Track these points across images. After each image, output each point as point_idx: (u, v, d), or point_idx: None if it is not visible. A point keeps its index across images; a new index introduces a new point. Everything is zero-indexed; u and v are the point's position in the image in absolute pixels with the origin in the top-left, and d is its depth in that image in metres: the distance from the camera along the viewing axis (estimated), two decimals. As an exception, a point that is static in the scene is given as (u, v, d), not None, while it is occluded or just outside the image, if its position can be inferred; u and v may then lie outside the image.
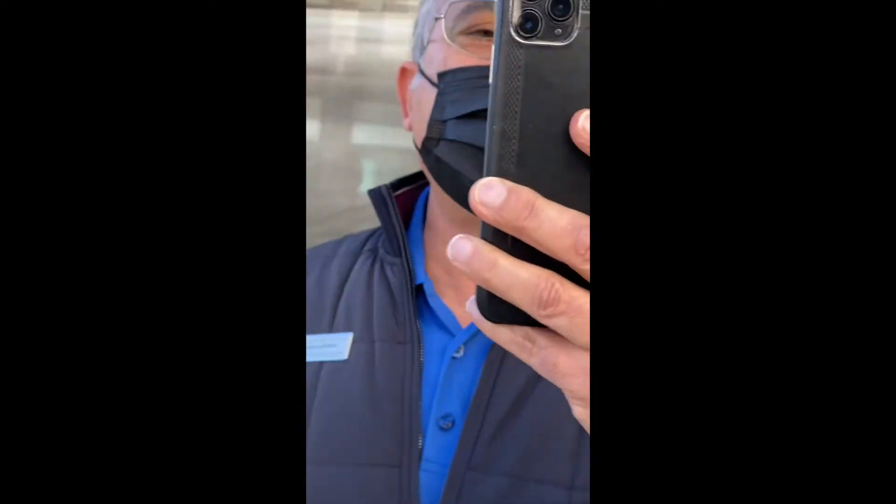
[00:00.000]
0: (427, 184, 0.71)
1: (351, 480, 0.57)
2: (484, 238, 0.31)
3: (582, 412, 0.32)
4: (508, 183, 0.30)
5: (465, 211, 0.59)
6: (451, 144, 0.58)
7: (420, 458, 0.57)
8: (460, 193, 0.58)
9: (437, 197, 0.64)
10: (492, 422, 0.56)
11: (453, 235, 0.65)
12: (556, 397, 0.55)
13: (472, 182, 0.56)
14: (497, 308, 0.31)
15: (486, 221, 0.30)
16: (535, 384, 0.56)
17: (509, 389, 0.56)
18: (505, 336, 0.32)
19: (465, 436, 0.56)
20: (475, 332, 0.60)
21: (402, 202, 0.67)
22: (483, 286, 0.31)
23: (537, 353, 0.31)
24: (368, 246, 0.69)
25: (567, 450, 0.54)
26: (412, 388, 0.58)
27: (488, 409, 0.56)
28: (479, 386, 0.57)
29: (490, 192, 0.29)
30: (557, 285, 0.29)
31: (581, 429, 0.54)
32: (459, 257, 0.30)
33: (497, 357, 0.57)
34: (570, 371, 0.31)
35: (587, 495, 0.53)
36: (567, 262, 0.29)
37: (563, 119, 0.30)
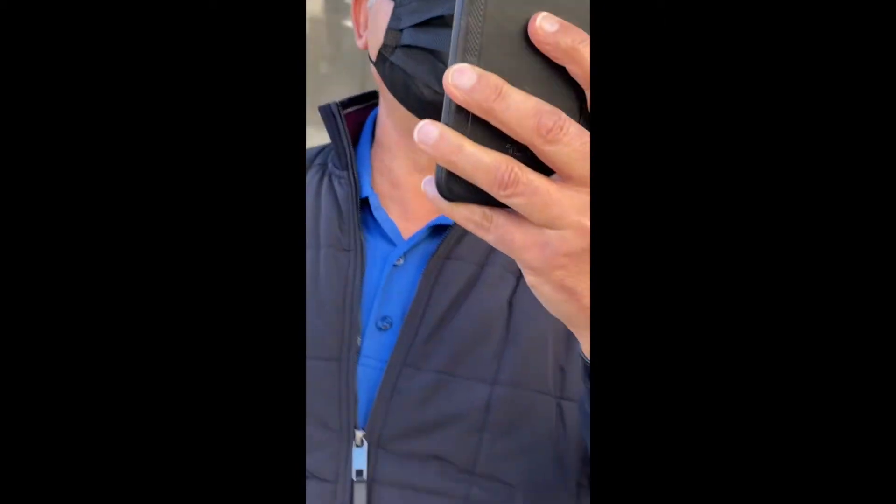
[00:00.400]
0: (375, 105, 0.74)
1: None
2: (446, 123, 0.33)
3: (534, 280, 0.36)
4: (478, 69, 0.31)
5: (415, 120, 0.62)
6: (407, 51, 0.61)
7: (358, 353, 0.62)
8: (413, 100, 0.62)
9: (388, 108, 0.68)
10: (427, 324, 0.61)
11: (402, 150, 0.69)
12: (486, 306, 0.62)
13: (426, 88, 0.60)
14: (455, 188, 0.34)
15: (458, 103, 0.32)
16: (467, 294, 0.62)
17: (444, 297, 0.62)
18: (462, 214, 0.34)
19: (403, 335, 0.61)
20: (416, 244, 0.65)
21: (350, 120, 0.71)
22: (448, 168, 0.33)
23: (494, 230, 0.34)
24: (319, 160, 0.72)
25: (492, 351, 0.61)
26: (353, 291, 0.63)
27: (425, 313, 0.62)
28: (418, 292, 0.62)
29: (462, 76, 0.31)
30: (516, 169, 0.32)
31: (504, 334, 0.61)
32: (427, 140, 0.32)
33: (435, 267, 0.63)
34: (525, 245, 0.34)
35: (506, 390, 0.60)
36: (529, 143, 0.32)
37: (524, 20, 0.32)
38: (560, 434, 0.60)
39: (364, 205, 0.68)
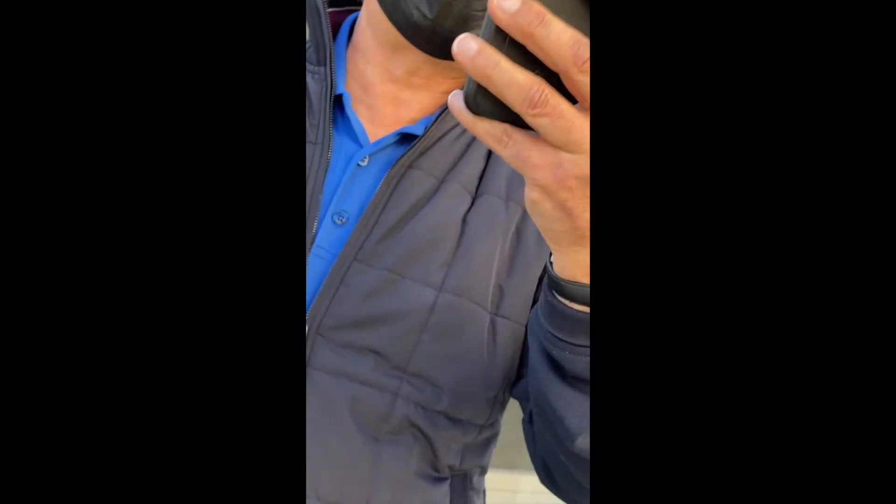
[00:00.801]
0: (353, 11, 0.75)
1: None
2: (484, 40, 0.34)
3: (538, 196, 0.39)
4: None
5: (397, 36, 0.65)
6: None
7: (312, 243, 0.64)
8: (400, 18, 0.63)
9: (371, 18, 0.68)
10: (383, 225, 0.64)
11: (379, 59, 0.70)
12: (441, 218, 0.65)
13: (415, 10, 0.61)
14: (482, 102, 0.36)
15: (501, 25, 0.33)
16: (424, 204, 0.65)
17: (402, 203, 0.65)
18: (484, 128, 0.36)
19: (357, 231, 0.63)
20: (382, 147, 0.67)
21: (330, 19, 0.71)
22: (482, 82, 0.34)
23: (512, 146, 0.36)
24: None
25: (442, 259, 0.64)
26: (316, 183, 0.64)
27: (381, 214, 0.64)
28: (378, 193, 0.64)
29: (508, 0, 0.33)
30: (546, 91, 0.34)
31: (455, 247, 0.64)
32: (465, 53, 0.34)
33: (398, 173, 0.65)
34: (539, 164, 0.36)
35: (450, 297, 0.63)
36: (564, 71, 0.34)
37: None
38: (490, 348, 0.64)
39: (336, 103, 0.69)
